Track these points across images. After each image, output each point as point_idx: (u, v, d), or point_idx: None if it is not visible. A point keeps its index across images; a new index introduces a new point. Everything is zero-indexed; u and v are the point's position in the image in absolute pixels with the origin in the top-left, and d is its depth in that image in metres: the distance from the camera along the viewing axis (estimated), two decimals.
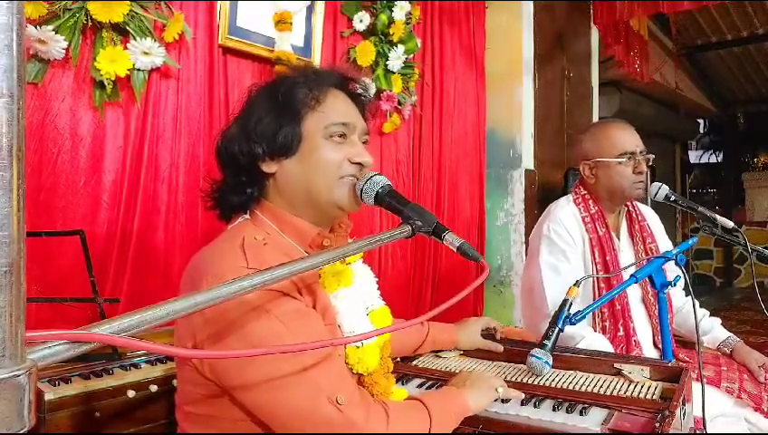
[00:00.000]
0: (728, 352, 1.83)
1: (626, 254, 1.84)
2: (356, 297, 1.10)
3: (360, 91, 1.13)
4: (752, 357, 1.76)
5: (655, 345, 1.81)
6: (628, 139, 1.80)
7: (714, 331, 1.88)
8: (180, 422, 1.04)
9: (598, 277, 1.80)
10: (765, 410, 1.55)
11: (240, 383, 0.90)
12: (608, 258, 1.76)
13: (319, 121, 1.03)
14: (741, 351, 1.80)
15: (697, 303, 1.81)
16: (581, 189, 1.88)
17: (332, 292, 1.06)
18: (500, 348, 1.51)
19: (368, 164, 1.05)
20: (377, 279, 1.21)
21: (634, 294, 1.81)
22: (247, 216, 1.07)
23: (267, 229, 1.03)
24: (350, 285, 1.10)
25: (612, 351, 1.67)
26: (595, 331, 1.74)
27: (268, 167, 1.03)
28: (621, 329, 1.72)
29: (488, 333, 1.58)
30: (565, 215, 1.81)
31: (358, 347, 1.05)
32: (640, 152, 1.78)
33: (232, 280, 0.64)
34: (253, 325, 0.88)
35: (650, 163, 1.82)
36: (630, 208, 1.91)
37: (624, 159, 1.77)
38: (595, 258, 1.77)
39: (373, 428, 0.93)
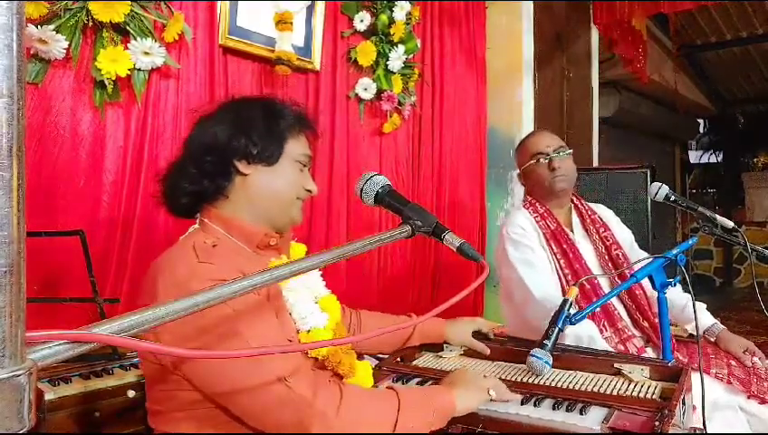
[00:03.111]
0: (712, 339, 1.84)
1: (582, 245, 1.91)
2: (303, 287, 1.17)
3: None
4: (735, 343, 1.78)
5: (636, 324, 1.82)
6: (537, 141, 1.97)
7: (699, 317, 1.88)
8: (151, 423, 1.08)
9: (598, 276, 1.81)
10: (755, 392, 1.55)
11: (214, 390, 0.97)
12: (565, 247, 1.86)
13: (296, 147, 1.17)
14: (724, 338, 1.82)
15: (688, 297, 1.85)
16: (528, 197, 2.04)
17: (282, 283, 1.12)
18: (486, 351, 1.52)
19: (314, 192, 1.21)
20: (320, 273, 1.27)
21: (604, 284, 1.87)
22: (197, 225, 1.15)
23: (216, 235, 1.11)
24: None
25: (596, 330, 1.69)
26: None
27: (244, 167, 1.12)
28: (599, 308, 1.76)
29: (481, 335, 1.58)
30: (518, 218, 1.95)
31: (308, 332, 1.11)
32: (554, 150, 1.91)
33: (232, 280, 0.63)
34: (213, 323, 0.94)
35: (563, 156, 1.91)
36: (578, 205, 2.01)
37: (534, 161, 1.93)
38: (553, 249, 1.87)
39: (323, 404, 0.97)
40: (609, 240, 1.92)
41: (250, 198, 1.13)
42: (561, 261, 1.83)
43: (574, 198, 2.01)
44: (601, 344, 1.66)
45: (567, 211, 2.00)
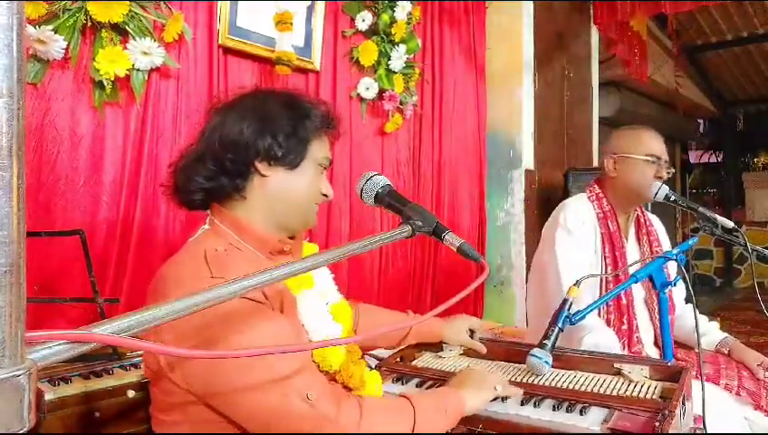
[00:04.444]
0: (726, 352, 1.84)
1: (632, 255, 1.88)
2: (317, 296, 1.14)
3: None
4: (750, 355, 1.77)
5: (656, 345, 1.83)
6: (657, 144, 1.86)
7: (710, 333, 1.90)
8: (156, 430, 1.06)
9: (601, 277, 1.81)
10: (764, 407, 1.56)
11: (214, 392, 0.93)
12: (617, 253, 1.81)
13: (319, 150, 1.12)
14: (738, 350, 1.82)
15: (693, 303, 1.83)
16: (596, 188, 1.93)
17: (296, 293, 1.09)
18: (483, 349, 1.51)
19: (330, 196, 1.16)
20: (332, 275, 1.25)
21: (637, 294, 1.84)
22: (207, 226, 1.09)
23: (227, 238, 1.06)
24: (312, 286, 1.13)
25: (618, 344, 1.68)
26: None
27: (264, 168, 1.06)
28: (626, 323, 1.76)
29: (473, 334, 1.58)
30: (580, 208, 1.88)
31: None
32: (665, 161, 1.84)
33: (233, 279, 0.63)
34: (223, 336, 0.91)
35: (669, 176, 1.86)
36: (639, 214, 1.97)
37: (650, 159, 1.81)
38: (605, 252, 1.82)
39: (346, 421, 0.95)
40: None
41: (267, 200, 1.08)
42: (609, 268, 1.79)
43: (638, 208, 1.96)
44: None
45: (627, 218, 1.94)
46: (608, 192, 1.90)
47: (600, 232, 1.84)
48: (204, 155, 1.06)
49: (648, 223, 1.97)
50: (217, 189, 1.06)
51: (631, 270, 1.66)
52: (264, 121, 1.06)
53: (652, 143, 1.85)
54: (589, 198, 1.91)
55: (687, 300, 1.97)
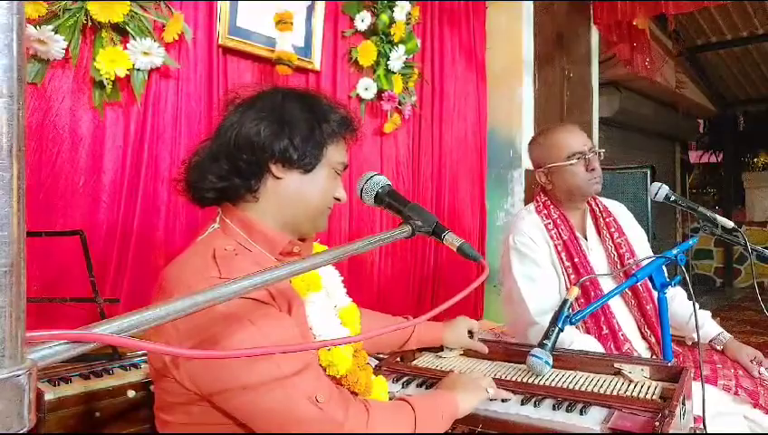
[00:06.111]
0: (720, 349, 1.82)
1: (596, 252, 1.85)
2: (325, 300, 1.13)
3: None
4: (743, 353, 1.76)
5: (643, 337, 1.80)
6: (574, 139, 1.83)
7: (705, 326, 1.86)
8: (159, 429, 1.05)
9: (598, 276, 1.80)
10: (763, 404, 1.55)
11: (219, 390, 0.92)
12: (576, 260, 1.78)
13: (334, 155, 1.10)
14: (732, 347, 1.80)
15: (693, 303, 1.83)
16: (542, 196, 1.91)
17: (303, 296, 1.08)
18: (485, 349, 1.51)
19: (343, 200, 1.14)
20: (342, 278, 1.24)
21: (609, 288, 1.81)
22: (216, 224, 1.08)
23: (237, 238, 1.04)
24: (320, 289, 1.12)
25: (600, 347, 1.67)
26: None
27: (278, 170, 1.05)
28: (605, 327, 1.73)
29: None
30: (527, 225, 1.85)
31: (328, 350, 1.06)
32: (590, 150, 1.81)
33: (233, 279, 0.63)
34: (228, 333, 0.90)
35: (602, 157, 1.84)
36: (593, 206, 1.93)
37: (574, 160, 1.80)
38: (564, 263, 1.79)
39: (353, 425, 0.95)
40: (622, 247, 1.85)
41: (279, 203, 1.06)
42: (572, 276, 1.76)
43: (590, 200, 1.92)
44: None
45: (582, 214, 1.91)
46: (553, 201, 1.89)
47: (552, 244, 1.81)
48: (218, 153, 1.05)
49: (604, 213, 1.92)
50: (230, 189, 1.05)
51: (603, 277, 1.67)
52: (281, 123, 1.04)
53: (569, 142, 1.83)
54: (536, 209, 1.90)
55: (689, 295, 1.95)
